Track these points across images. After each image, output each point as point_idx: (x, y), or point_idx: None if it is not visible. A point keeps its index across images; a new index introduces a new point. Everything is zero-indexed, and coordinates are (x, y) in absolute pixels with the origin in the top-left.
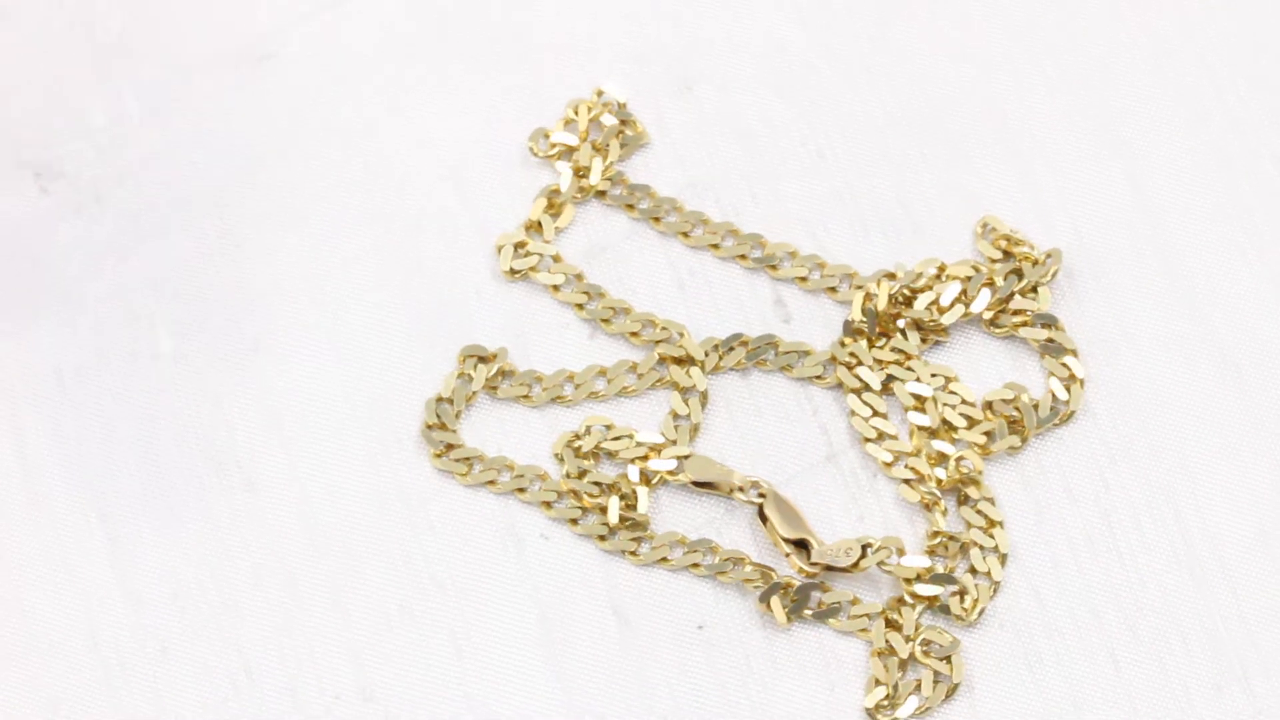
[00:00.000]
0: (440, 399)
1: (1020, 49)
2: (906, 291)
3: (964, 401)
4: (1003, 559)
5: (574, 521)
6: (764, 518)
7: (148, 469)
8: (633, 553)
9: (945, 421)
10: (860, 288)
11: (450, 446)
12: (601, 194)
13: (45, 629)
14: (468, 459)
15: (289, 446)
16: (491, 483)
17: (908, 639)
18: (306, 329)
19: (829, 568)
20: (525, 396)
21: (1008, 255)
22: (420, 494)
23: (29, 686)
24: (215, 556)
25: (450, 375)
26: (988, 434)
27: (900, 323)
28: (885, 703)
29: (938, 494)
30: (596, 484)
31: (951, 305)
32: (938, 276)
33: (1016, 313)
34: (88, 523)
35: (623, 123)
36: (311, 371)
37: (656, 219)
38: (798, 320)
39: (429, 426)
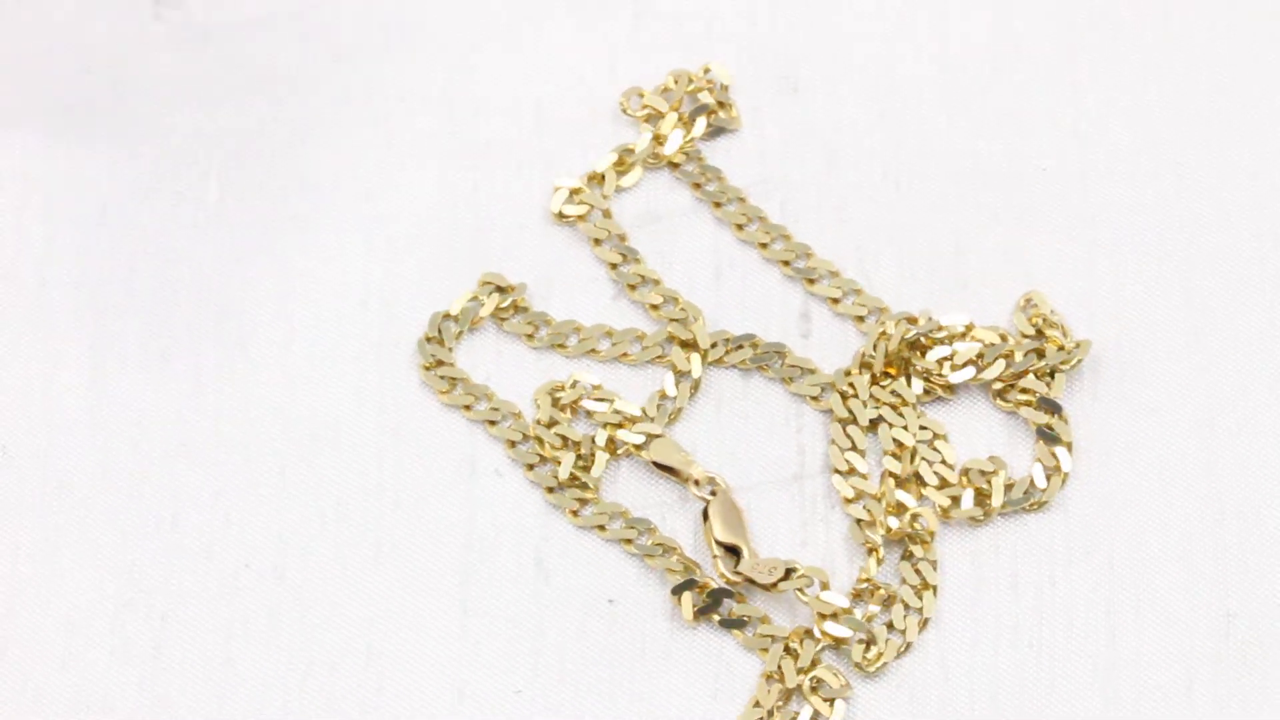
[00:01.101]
0: (446, 315)
1: (1122, 131)
2: (924, 340)
3: (943, 461)
4: (923, 623)
5: (530, 467)
6: (706, 516)
7: (156, 310)
8: (574, 512)
9: (917, 475)
10: (882, 324)
11: (440, 363)
12: (675, 165)
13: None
14: (453, 379)
15: (292, 321)
16: (467, 407)
17: (800, 671)
18: (346, 220)
19: (751, 580)
20: (529, 336)
21: (1039, 334)
22: (398, 401)
23: None
24: (187, 407)
25: (463, 296)
26: (954, 499)
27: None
28: None
29: (878, 541)
30: (561, 437)
31: (963, 366)
32: (962, 335)
33: (1025, 391)
34: (78, 348)
35: (719, 104)
36: (338, 260)
37: (718, 204)
38: (816, 338)
39: (427, 339)
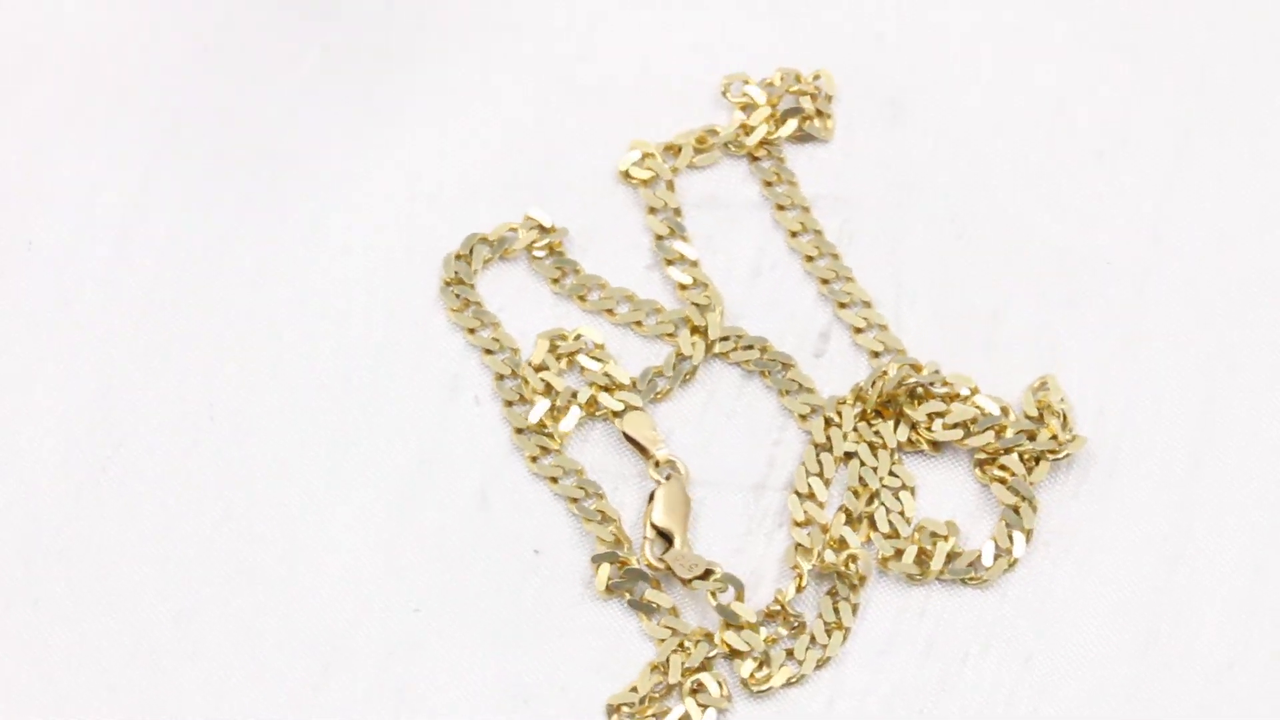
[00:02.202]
0: (481, 238)
1: (1200, 246)
2: (922, 391)
3: (901, 512)
4: (823, 661)
5: (509, 404)
6: (651, 497)
7: (200, 156)
8: (534, 458)
9: (871, 518)
10: (887, 364)
11: (460, 281)
12: (754, 158)
13: None
14: (467, 301)
15: (352, 203)
16: (471, 330)
17: (686, 671)
18: (431, 124)
19: (670, 570)
20: (555, 280)
21: (1040, 418)
22: (410, 306)
23: None
24: (232, 242)
25: (504, 225)
26: (897, 551)
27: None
28: (627, 708)
29: (805, 568)
30: (546, 383)
31: (952, 427)
32: (964, 397)
33: (1004, 468)
34: (110, 172)
35: (818, 112)
36: (412, 160)
37: (781, 207)
38: (828, 361)
39: (456, 256)
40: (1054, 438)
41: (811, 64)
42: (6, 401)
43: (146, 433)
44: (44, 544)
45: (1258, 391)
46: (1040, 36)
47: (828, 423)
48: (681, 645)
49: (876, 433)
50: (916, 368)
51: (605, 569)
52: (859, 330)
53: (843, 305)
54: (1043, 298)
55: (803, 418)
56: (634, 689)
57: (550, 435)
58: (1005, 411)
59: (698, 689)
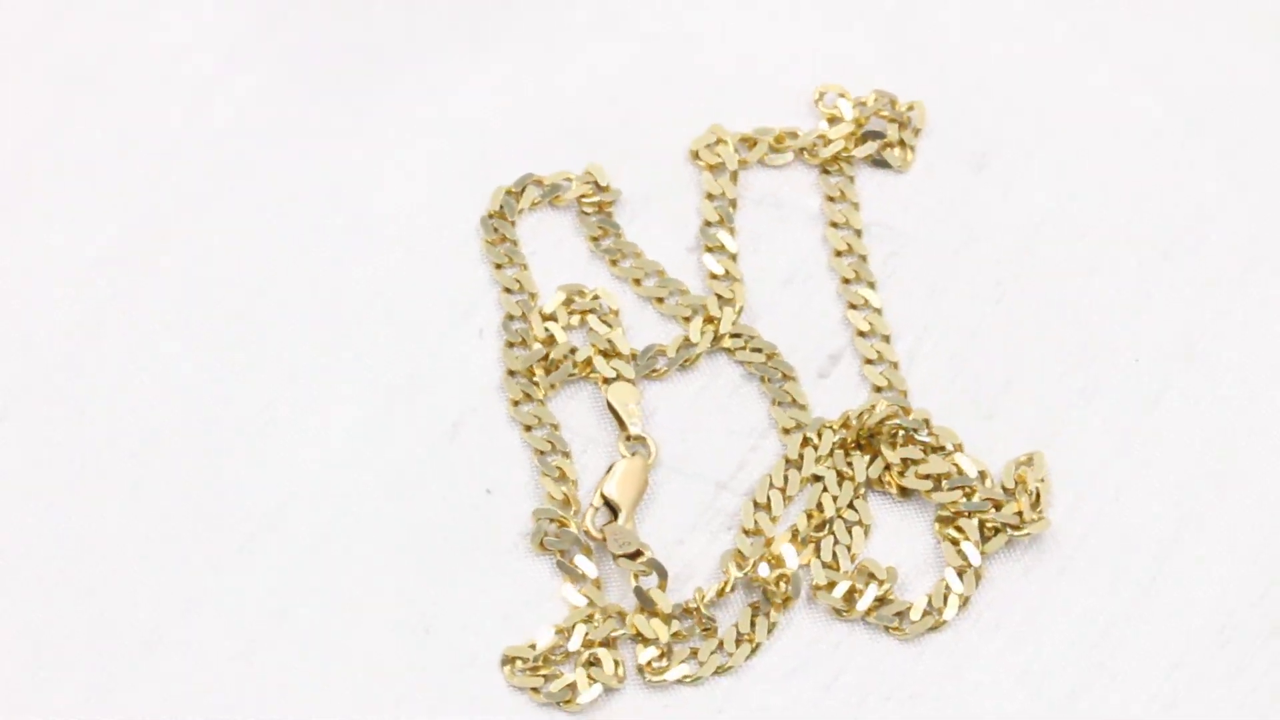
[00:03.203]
0: (535, 180)
1: (1226, 365)
2: (903, 435)
3: (848, 546)
4: (724, 669)
5: (510, 345)
6: (610, 469)
7: (294, 38)
8: (515, 402)
9: (817, 545)
10: (878, 401)
11: (503, 216)
12: (825, 171)
13: None
14: (503, 236)
15: (410, 130)
16: (499, 266)
17: (587, 642)
18: (505, 67)
19: (603, 542)
20: (594, 238)
21: (1012, 492)
22: (448, 230)
23: None
24: (283, 133)
25: (560, 173)
26: (830, 583)
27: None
28: (521, 662)
29: (735, 577)
30: (549, 334)
31: (922, 478)
32: (945, 452)
33: (960, 530)
34: (201, 33)
35: (900, 142)
36: (476, 99)
37: (835, 224)
38: (830, 383)
39: (507, 192)
40: (1019, 514)
41: (913, 94)
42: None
43: (162, 281)
44: (40, 377)
45: (1237, 528)
46: (1141, 124)
47: (805, 441)
48: (591, 616)
49: (849, 464)
50: (905, 411)
51: (543, 525)
52: (869, 362)
53: (862, 334)
54: (1061, 377)
55: (785, 431)
56: (532, 645)
57: (535, 383)
58: (982, 476)
59: (593, 662)
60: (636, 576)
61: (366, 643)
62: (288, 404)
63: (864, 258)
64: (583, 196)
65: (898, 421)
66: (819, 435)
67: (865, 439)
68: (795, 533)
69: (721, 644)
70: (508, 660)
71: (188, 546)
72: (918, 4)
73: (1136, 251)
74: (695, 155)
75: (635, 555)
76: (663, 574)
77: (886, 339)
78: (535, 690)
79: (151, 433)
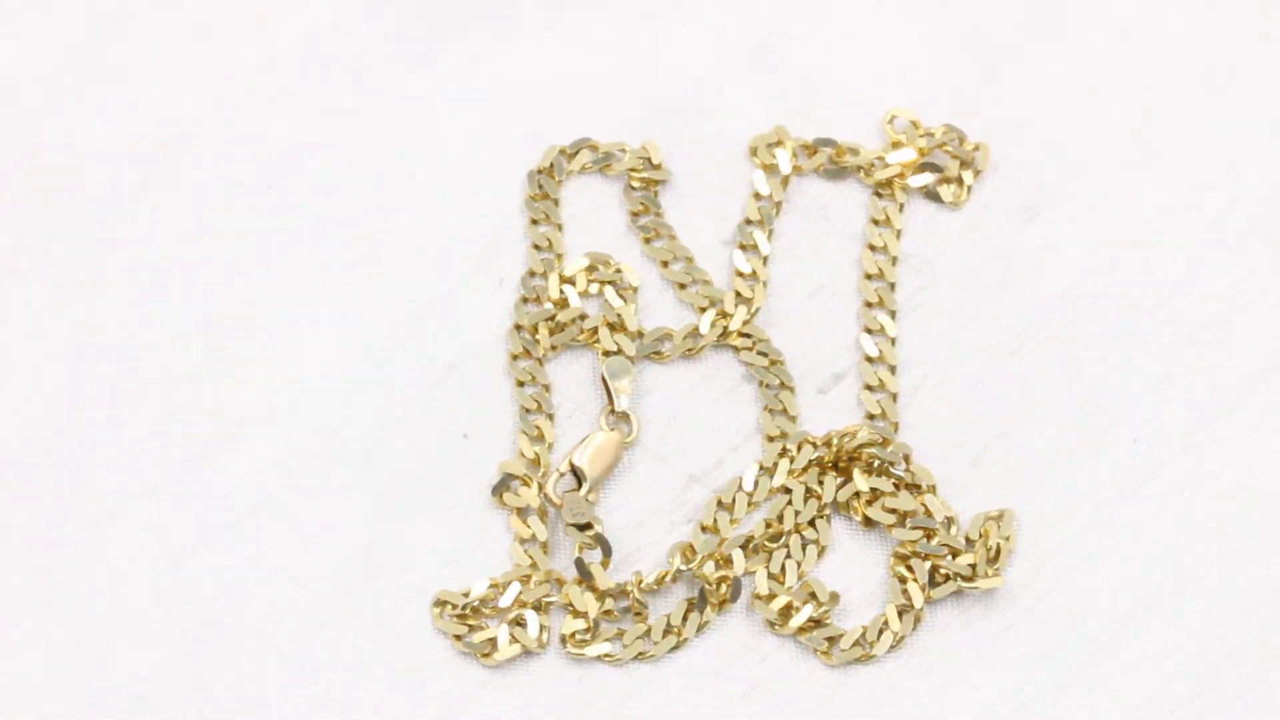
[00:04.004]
0: (589, 144)
1: (1225, 465)
2: (877, 465)
3: (799, 563)
4: (645, 656)
5: (524, 299)
6: (584, 438)
7: None
8: (515, 356)
9: (769, 555)
10: (861, 427)
11: (551, 174)
12: (878, 194)
13: None
14: (546, 195)
15: (486, 74)
16: (535, 221)
17: (519, 601)
18: (590, 30)
19: (560, 509)
20: (634, 213)
21: (972, 543)
22: (496, 176)
23: None
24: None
25: (617, 143)
26: (770, 594)
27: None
28: (450, 608)
29: (678, 569)
30: (563, 296)
31: (887, 511)
32: (918, 490)
33: (910, 570)
34: None
35: (959, 179)
36: (534, 68)
37: (873, 247)
38: (827, 401)
39: (561, 151)
40: (973, 566)
41: (983, 134)
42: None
43: (206, 173)
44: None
45: (1190, 623)
46: (1200, 210)
47: (784, 452)
48: (529, 577)
49: (820, 482)
50: (886, 442)
51: (506, 479)
52: (869, 388)
53: (869, 359)
54: (1055, 440)
55: (769, 439)
56: (466, 594)
57: (537, 342)
58: (948, 521)
59: (520, 622)
60: (581, 548)
61: (309, 561)
62: (296, 313)
63: (892, 285)
64: (633, 170)
65: (875, 451)
66: (798, 448)
67: (844, 461)
68: (750, 539)
69: (649, 631)
70: (439, 603)
71: (164, 435)
72: (1012, 49)
73: (1163, 332)
74: (753, 152)
75: (585, 527)
76: (607, 551)
77: (892, 369)
78: (458, 637)
79: (157, 312)
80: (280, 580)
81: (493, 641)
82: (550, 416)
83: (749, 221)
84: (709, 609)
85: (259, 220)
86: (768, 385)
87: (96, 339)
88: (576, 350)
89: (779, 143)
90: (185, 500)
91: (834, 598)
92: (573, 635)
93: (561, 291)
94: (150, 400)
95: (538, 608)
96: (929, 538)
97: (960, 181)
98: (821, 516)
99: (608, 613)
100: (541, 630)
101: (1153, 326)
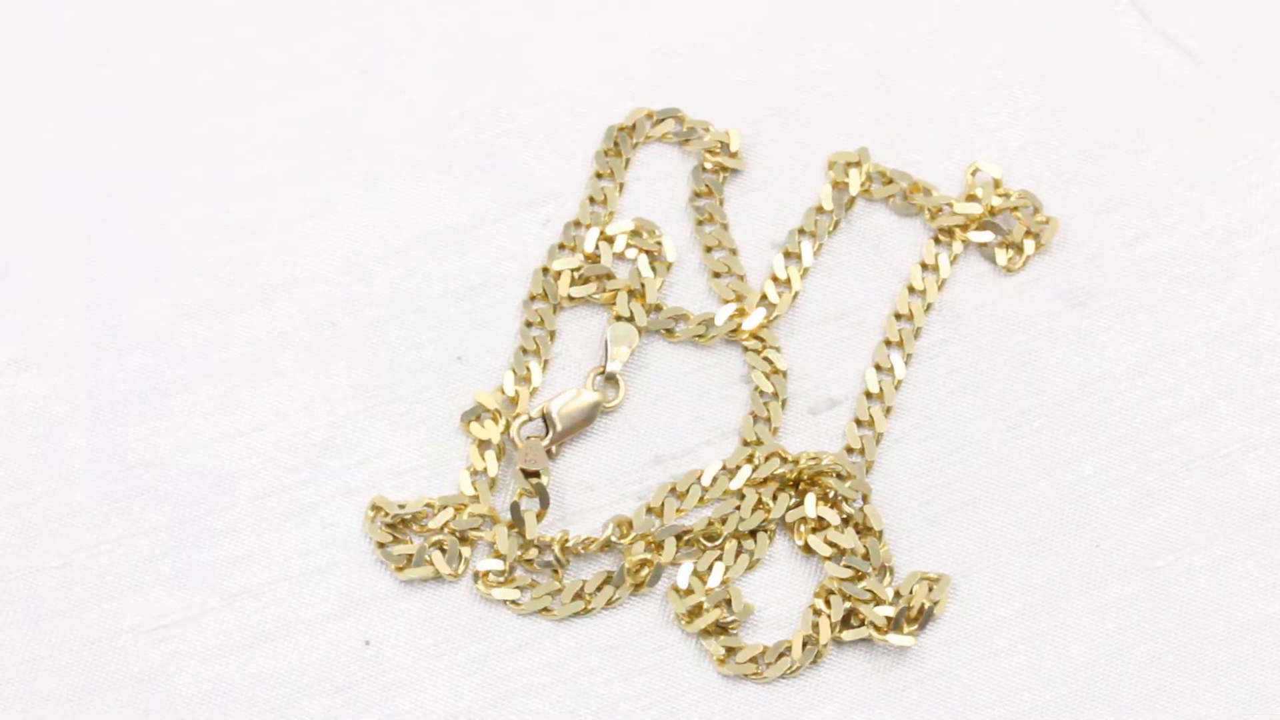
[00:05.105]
0: (678, 118)
1: (1194, 581)
2: (831, 496)
3: (726, 568)
4: (545, 612)
5: (560, 245)
6: (563, 392)
7: None
8: (532, 297)
9: (702, 551)
10: (826, 455)
11: (627, 132)
12: (936, 239)
13: None
14: (620, 156)
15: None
16: (599, 175)
17: (447, 527)
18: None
19: (514, 447)
20: (696, 193)
21: (901, 597)
22: (578, 131)
23: None
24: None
25: (704, 122)
26: (687, 590)
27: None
28: (383, 514)
29: (608, 539)
30: (597, 252)
31: (824, 544)
32: (865, 534)
33: (829, 605)
34: None
35: (1019, 247)
36: (651, 24)
37: (912, 289)
38: (815, 423)
39: (648, 116)
40: (889, 620)
41: (1059, 210)
42: None
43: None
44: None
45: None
46: (1249, 347)
47: (750, 459)
48: (464, 507)
49: (775, 497)
50: (848, 477)
51: (478, 408)
52: (858, 422)
53: (869, 394)
54: (1018, 523)
55: (745, 443)
56: (402, 505)
57: (558, 290)
58: (883, 569)
59: (441, 547)
60: (521, 494)
61: (268, 432)
62: (347, 193)
63: (917, 331)
64: (710, 151)
65: (835, 483)
66: (765, 459)
67: (804, 484)
68: (687, 532)
69: (560, 591)
70: (374, 507)
71: (182, 278)
72: (1116, 135)
73: (1164, 449)
74: (830, 166)
75: (533, 475)
76: (545, 503)
77: (887, 411)
78: (381, 545)
79: (212, 161)
80: (231, 443)
81: (410, 557)
82: (545, 363)
83: (802, 231)
84: (625, 587)
85: (357, 103)
86: (761, 391)
87: (133, 166)
88: (593, 308)
89: (857, 163)
90: (170, 343)
91: (747, 610)
92: (486, 574)
93: (597, 247)
94: (182, 248)
95: (463, 539)
96: (857, 579)
97: (1020, 249)
98: (765, 530)
99: (528, 562)
100: (461, 561)
101: (1156, 442)
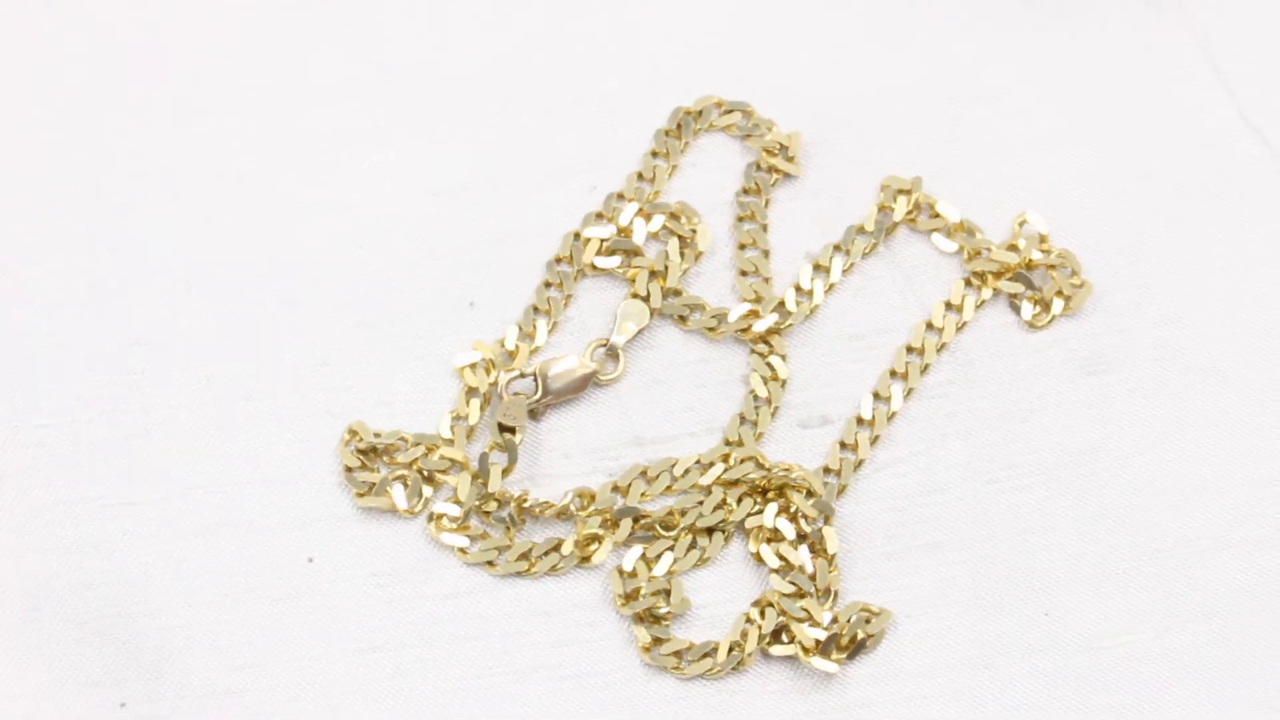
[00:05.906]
0: (724, 108)
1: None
2: (794, 513)
3: (675, 560)
4: (489, 566)
5: (597, 215)
6: (562, 357)
7: None
8: (558, 259)
9: (655, 537)
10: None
11: (692, 112)
12: (968, 281)
13: None
14: (680, 139)
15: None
16: (654, 153)
17: (414, 465)
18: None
19: (500, 400)
20: (744, 190)
21: (838, 622)
22: (644, 109)
23: None
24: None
25: (770, 122)
26: (632, 574)
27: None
28: (356, 440)
29: (567, 507)
30: (629, 225)
31: (774, 557)
32: (817, 554)
33: (763, 617)
34: None
35: (1047, 304)
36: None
37: (930, 325)
38: (801, 436)
39: (689, 110)
40: (818, 644)
41: (1096, 275)
42: None
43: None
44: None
45: None
46: (1241, 457)
47: (726, 458)
48: (435, 448)
49: (740, 500)
50: (813, 494)
51: (470, 357)
52: (843, 444)
53: (860, 420)
54: (974, 578)
55: (726, 441)
56: (378, 434)
57: (572, 258)
58: (826, 591)
59: (403, 481)
60: (491, 448)
61: (264, 349)
62: (395, 133)
63: (925, 367)
64: (768, 151)
65: (799, 498)
66: (740, 461)
67: (771, 493)
68: (644, 516)
69: (508, 549)
70: (350, 431)
71: (229, 200)
72: (1169, 207)
73: (1142, 538)
74: (882, 188)
75: (506, 430)
76: (513, 459)
77: (874, 439)
78: (348, 469)
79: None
80: (231, 341)
81: (371, 486)
82: (554, 325)
83: (837, 248)
84: (571, 557)
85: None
86: (755, 395)
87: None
88: (615, 282)
89: (908, 190)
90: (191, 235)
91: (684, 604)
92: (441, 516)
93: (631, 222)
94: (228, 174)
95: (429, 479)
96: (798, 597)
97: (1048, 307)
98: (721, 531)
99: (485, 514)
100: (421, 500)
101: (1132, 525)
